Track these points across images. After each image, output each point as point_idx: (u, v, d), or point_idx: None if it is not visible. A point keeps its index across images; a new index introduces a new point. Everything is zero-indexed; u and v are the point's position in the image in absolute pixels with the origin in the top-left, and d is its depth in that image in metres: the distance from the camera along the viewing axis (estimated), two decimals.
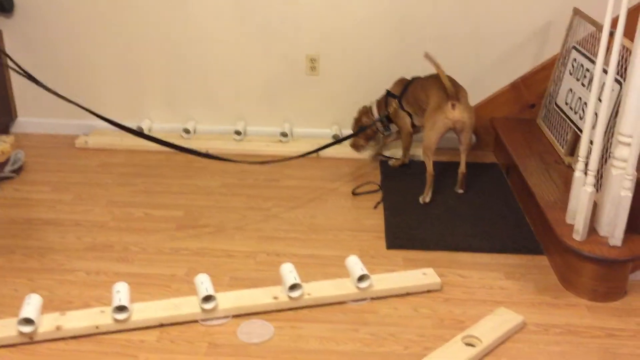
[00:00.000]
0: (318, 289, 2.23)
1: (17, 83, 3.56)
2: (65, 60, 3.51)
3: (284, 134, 3.52)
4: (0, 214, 2.77)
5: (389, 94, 3.20)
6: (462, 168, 3.00)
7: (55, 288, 2.26)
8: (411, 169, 3.24)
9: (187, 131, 3.54)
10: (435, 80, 2.93)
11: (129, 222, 2.73)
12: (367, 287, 2.23)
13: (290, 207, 2.90)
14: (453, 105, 2.81)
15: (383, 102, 3.24)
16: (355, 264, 2.27)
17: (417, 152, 3.20)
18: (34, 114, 3.64)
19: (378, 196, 3.01)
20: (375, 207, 2.91)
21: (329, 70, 3.47)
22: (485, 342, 1.98)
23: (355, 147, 3.37)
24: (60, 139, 3.58)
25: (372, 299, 2.25)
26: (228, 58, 3.48)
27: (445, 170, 3.17)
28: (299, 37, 3.42)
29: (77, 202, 2.90)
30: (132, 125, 3.56)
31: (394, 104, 3.14)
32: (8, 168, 3.09)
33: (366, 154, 3.41)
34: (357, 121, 3.33)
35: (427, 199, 2.93)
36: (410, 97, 3.10)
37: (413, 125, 3.16)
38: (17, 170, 3.13)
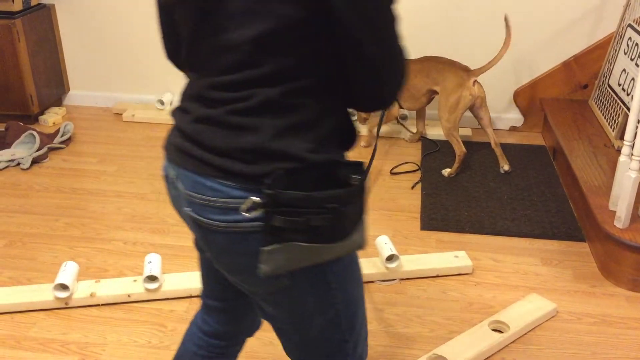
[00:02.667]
0: None
1: (70, 57, 3.67)
2: (110, 34, 3.58)
3: None
4: (47, 183, 2.88)
5: None
6: (495, 140, 2.95)
7: (93, 256, 2.34)
8: (451, 149, 3.17)
9: None
10: (437, 61, 2.94)
11: (167, 195, 2.79)
12: (396, 267, 2.21)
13: None
14: (474, 82, 2.83)
15: None
16: (384, 244, 2.25)
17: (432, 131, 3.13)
18: (85, 87, 3.75)
19: (416, 176, 2.97)
20: (413, 187, 2.87)
21: None
22: (513, 329, 1.94)
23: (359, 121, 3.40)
24: (109, 111, 3.67)
25: (402, 279, 2.23)
26: None
27: (484, 150, 3.09)
28: None
29: (120, 174, 2.98)
30: (154, 97, 3.62)
31: None
32: (57, 139, 3.20)
33: (407, 136, 3.36)
34: None
35: (453, 174, 2.93)
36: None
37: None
38: (66, 142, 3.24)
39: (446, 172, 2.94)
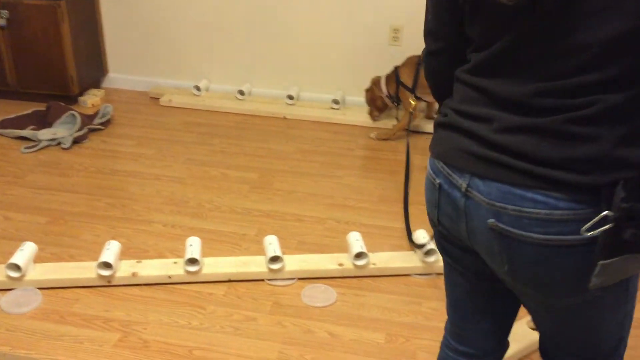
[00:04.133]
0: (383, 260, 2.24)
1: (110, 40, 3.72)
2: (150, 19, 3.62)
3: (336, 101, 3.55)
4: (88, 163, 2.93)
5: (400, 82, 3.16)
6: None
7: (133, 237, 2.38)
8: None
9: (241, 93, 3.61)
10: None
11: (205, 180, 2.82)
12: (434, 262, 2.21)
13: (363, 176, 2.90)
14: None
15: (393, 79, 3.21)
16: (422, 238, 2.26)
17: None
18: (123, 71, 3.79)
19: None
20: None
21: (412, 41, 3.41)
22: None
23: (371, 116, 3.41)
24: (145, 95, 3.71)
25: (438, 274, 2.23)
26: (307, 24, 3.48)
27: None
28: (384, 6, 3.37)
29: (159, 157, 3.02)
30: (190, 83, 3.64)
31: (411, 99, 3.12)
32: (97, 120, 3.25)
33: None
34: (368, 92, 3.34)
35: None
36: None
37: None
38: (105, 123, 3.29)
39: None
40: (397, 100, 3.24)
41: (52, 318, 1.96)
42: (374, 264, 2.21)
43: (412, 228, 2.40)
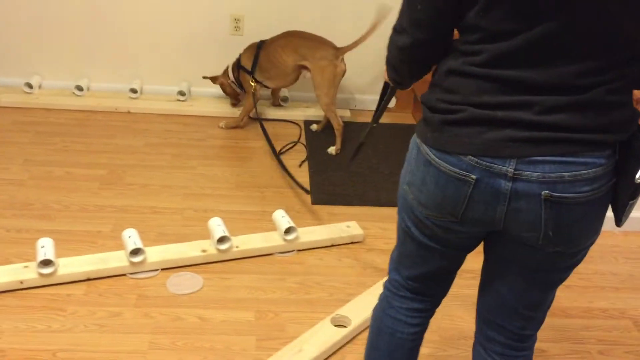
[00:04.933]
0: (246, 242, 2.29)
1: None
2: None
3: (182, 93, 3.50)
4: None
5: (241, 67, 3.23)
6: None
7: None
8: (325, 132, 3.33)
9: (79, 88, 3.44)
10: (303, 37, 3.09)
11: (48, 180, 2.67)
12: (294, 239, 2.31)
13: (216, 165, 2.92)
14: (342, 59, 3.03)
15: (235, 66, 3.27)
16: (282, 217, 2.34)
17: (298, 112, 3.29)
18: None
19: (303, 155, 3.08)
20: (300, 165, 2.98)
21: (254, 30, 3.46)
22: None
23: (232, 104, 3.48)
24: None
25: (299, 250, 2.33)
26: (144, 15, 3.40)
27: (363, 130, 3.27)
28: None
29: None
30: (20, 80, 3.41)
31: (250, 81, 3.19)
32: None
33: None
34: (216, 80, 3.38)
35: (339, 150, 3.09)
36: (266, 63, 3.15)
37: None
38: None
39: (333, 149, 3.08)
40: (240, 85, 3.29)
41: None
42: (237, 247, 2.25)
43: (270, 210, 2.48)
